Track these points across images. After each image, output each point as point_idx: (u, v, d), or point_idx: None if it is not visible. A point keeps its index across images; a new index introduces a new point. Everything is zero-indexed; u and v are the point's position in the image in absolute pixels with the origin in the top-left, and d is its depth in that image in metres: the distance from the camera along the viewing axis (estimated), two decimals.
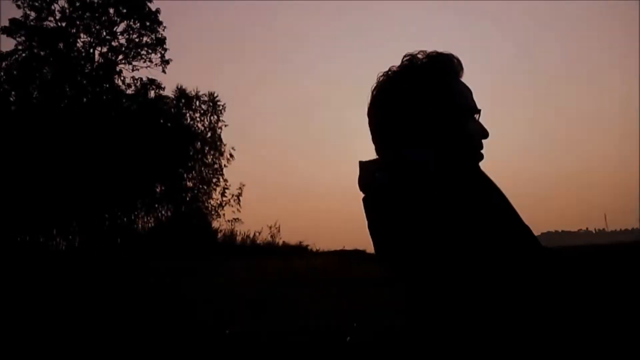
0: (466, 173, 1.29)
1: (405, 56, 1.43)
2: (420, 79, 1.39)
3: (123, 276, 7.66)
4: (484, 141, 1.44)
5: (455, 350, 1.20)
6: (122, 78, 15.59)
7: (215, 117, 17.91)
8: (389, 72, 1.43)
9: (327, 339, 3.53)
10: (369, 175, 1.42)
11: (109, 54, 15.53)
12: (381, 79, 1.44)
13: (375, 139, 1.46)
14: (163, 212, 16.05)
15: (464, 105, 1.39)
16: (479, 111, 1.43)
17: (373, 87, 1.45)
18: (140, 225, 15.47)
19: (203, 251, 12.36)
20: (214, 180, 17.49)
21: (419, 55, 1.42)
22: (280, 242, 15.58)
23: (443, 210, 1.19)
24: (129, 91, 15.68)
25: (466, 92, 1.43)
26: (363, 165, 1.48)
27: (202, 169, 17.35)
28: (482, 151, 1.43)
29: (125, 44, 15.62)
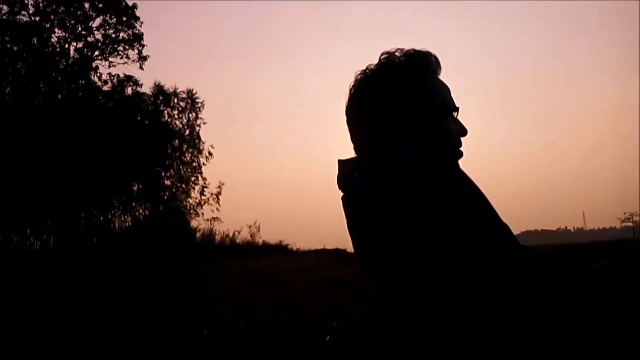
0: (445, 172, 1.29)
1: (382, 54, 1.43)
2: (397, 77, 1.39)
3: (99, 277, 7.56)
4: (463, 139, 1.44)
5: (434, 347, 1.20)
6: (98, 74, 15.40)
7: (194, 114, 17.84)
8: (367, 71, 1.43)
9: (306, 339, 3.53)
10: (348, 174, 1.41)
11: (85, 49, 15.32)
12: (359, 77, 1.43)
13: (353, 138, 1.46)
14: (140, 211, 15.93)
15: (441, 103, 1.40)
16: (457, 109, 1.43)
17: (351, 86, 1.45)
18: (116, 225, 15.31)
19: (181, 251, 12.27)
20: (193, 178, 17.42)
21: (397, 53, 1.43)
22: (260, 242, 15.59)
23: (423, 209, 1.19)
24: (105, 88, 15.50)
25: (444, 90, 1.43)
26: (342, 163, 1.48)
27: (181, 167, 17.26)
28: (461, 149, 1.44)
29: (102, 39, 15.43)
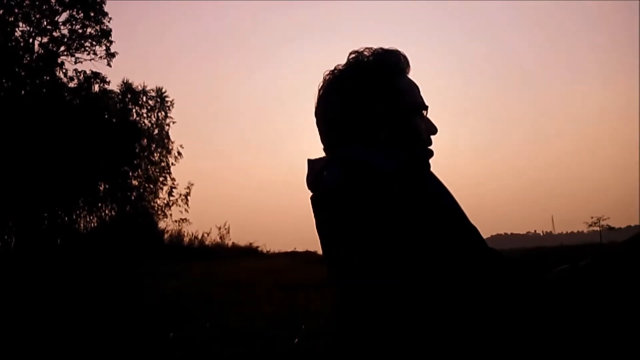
0: (414, 173, 1.30)
1: (351, 54, 1.44)
2: (366, 77, 1.39)
3: (61, 278, 7.42)
4: (433, 138, 1.46)
5: (392, 351, 1.21)
6: (63, 70, 15.12)
7: (163, 113, 17.66)
8: (335, 71, 1.43)
9: (275, 341, 3.53)
10: (317, 174, 1.41)
11: (50, 44, 15.02)
12: (327, 77, 1.44)
13: (323, 138, 1.46)
14: (106, 212, 15.68)
15: (411, 102, 1.41)
16: (426, 107, 1.44)
17: (319, 87, 1.45)
18: (82, 225, 15.05)
19: (148, 252, 12.13)
20: (161, 179, 17.23)
21: (365, 53, 1.43)
22: (230, 244, 15.48)
23: (389, 211, 1.20)
24: (72, 84, 15.23)
25: (413, 89, 1.44)
26: (311, 163, 1.48)
27: (149, 167, 17.05)
28: (432, 147, 1.45)
29: (68, 34, 15.15)
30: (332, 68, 1.43)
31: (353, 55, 1.43)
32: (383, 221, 1.19)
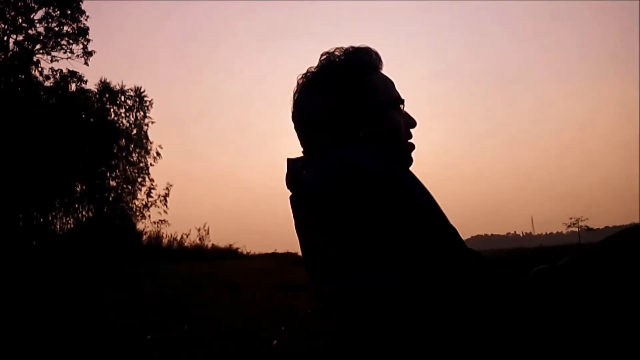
0: (394, 173, 1.30)
1: (322, 55, 1.44)
2: (338, 77, 1.40)
3: (37, 280, 7.32)
4: (413, 131, 1.46)
5: (375, 352, 1.21)
6: (39, 69, 14.91)
7: (142, 113, 17.48)
8: (308, 74, 1.44)
9: (253, 343, 3.53)
10: (297, 174, 1.41)
11: (26, 42, 14.81)
12: (300, 81, 1.44)
13: (301, 141, 1.46)
14: (83, 213, 15.49)
15: (385, 98, 1.41)
16: (402, 101, 1.45)
17: (294, 91, 1.45)
18: (58, 226, 14.85)
19: (126, 254, 12.01)
20: (139, 179, 17.06)
21: (336, 53, 1.44)
22: (210, 245, 15.40)
23: (379, 210, 1.20)
24: (48, 83, 15.02)
25: (387, 85, 1.45)
26: (291, 162, 1.47)
27: (127, 167, 16.87)
28: (412, 141, 1.46)
29: (44, 32, 14.95)
30: (305, 72, 1.44)
31: (324, 56, 1.44)
32: (372, 220, 1.19)
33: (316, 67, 1.44)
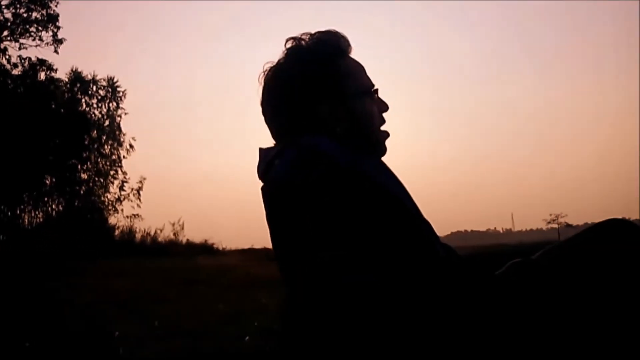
0: (362, 165, 1.29)
1: (288, 40, 1.42)
2: (306, 65, 1.38)
3: (4, 275, 7.21)
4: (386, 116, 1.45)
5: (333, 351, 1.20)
6: (7, 57, 14.63)
7: (115, 104, 17.24)
8: (275, 64, 1.42)
9: (226, 339, 3.53)
10: (268, 163, 1.39)
11: None
12: (267, 69, 1.42)
13: (271, 130, 1.44)
14: (53, 207, 15.28)
15: (357, 85, 1.40)
16: (373, 86, 1.44)
17: (262, 82, 1.43)
18: (26, 221, 14.62)
19: (98, 249, 11.88)
20: (112, 172, 16.84)
21: (304, 38, 1.42)
22: (184, 240, 15.28)
23: (338, 205, 1.19)
24: (15, 72, 14.75)
25: (357, 71, 1.43)
26: (263, 152, 1.46)
27: (99, 160, 16.64)
28: (385, 127, 1.44)
29: (11, 18, 14.66)
30: (272, 60, 1.42)
31: (290, 44, 1.42)
32: (341, 215, 1.18)
33: (283, 55, 1.42)
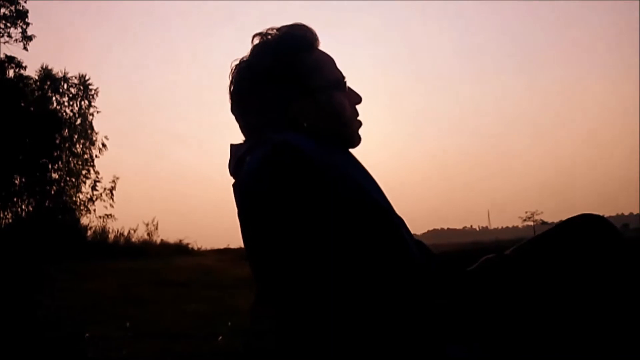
0: (334, 157, 1.29)
1: (254, 36, 1.41)
2: (272, 59, 1.37)
3: None
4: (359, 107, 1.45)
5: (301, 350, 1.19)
6: None
7: (86, 102, 16.98)
8: (241, 62, 1.41)
9: (198, 339, 3.51)
10: (239, 159, 1.38)
11: None
12: (235, 69, 1.41)
13: (242, 130, 1.44)
14: (23, 207, 15.02)
15: (326, 78, 1.39)
16: (343, 78, 1.43)
17: (229, 80, 1.42)
18: None
19: (70, 250, 11.71)
20: (84, 172, 16.60)
21: (270, 33, 1.41)
22: (158, 241, 15.14)
23: (308, 200, 1.18)
24: None
25: (325, 64, 1.43)
26: (234, 148, 1.45)
27: (70, 159, 16.38)
28: (359, 118, 1.44)
29: None
30: (239, 57, 1.41)
31: (257, 40, 1.41)
32: (327, 214, 1.17)
33: (250, 51, 1.41)
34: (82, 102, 16.92)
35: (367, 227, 1.25)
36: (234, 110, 1.44)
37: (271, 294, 1.26)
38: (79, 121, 16.81)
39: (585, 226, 1.40)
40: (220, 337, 3.33)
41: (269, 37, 1.40)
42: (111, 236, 14.86)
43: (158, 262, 10.71)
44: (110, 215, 16.19)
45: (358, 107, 1.45)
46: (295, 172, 1.21)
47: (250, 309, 1.40)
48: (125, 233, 14.88)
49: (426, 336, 1.17)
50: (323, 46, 1.45)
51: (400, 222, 1.41)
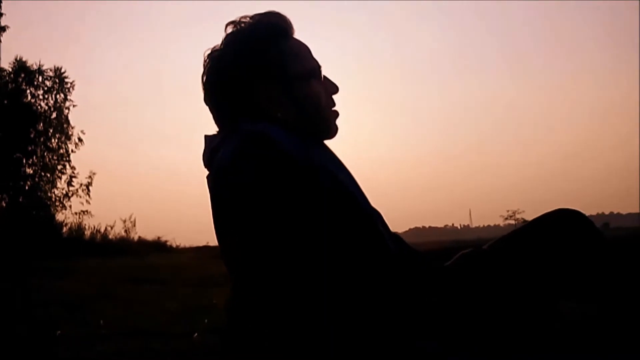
0: (308, 148, 1.28)
1: (228, 25, 1.40)
2: (245, 48, 1.36)
3: None
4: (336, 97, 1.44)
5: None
6: None
7: (62, 95, 16.74)
8: (214, 52, 1.40)
9: (174, 338, 3.50)
10: (213, 151, 1.37)
11: None
12: (207, 59, 1.40)
13: (215, 118, 1.42)
14: None
15: (301, 67, 1.39)
16: (319, 68, 1.42)
17: (203, 70, 1.41)
18: None
19: (45, 247, 11.58)
20: (59, 167, 16.38)
21: (244, 21, 1.40)
22: (136, 238, 15.08)
23: (282, 191, 1.17)
24: None
25: (301, 53, 1.42)
26: (208, 139, 1.44)
27: (45, 154, 16.16)
28: (336, 109, 1.43)
29: None
30: (211, 47, 1.40)
31: (230, 28, 1.40)
32: (300, 206, 1.17)
33: (222, 41, 1.40)
34: (58, 96, 16.67)
35: (343, 220, 1.25)
36: (207, 100, 1.43)
37: (254, 286, 1.26)
38: (54, 115, 16.57)
39: (561, 220, 1.41)
40: (196, 334, 3.32)
41: (242, 25, 1.39)
42: (87, 233, 14.79)
43: (135, 259, 10.65)
44: (87, 211, 16.02)
45: (335, 97, 1.44)
46: (268, 164, 1.20)
47: (225, 305, 1.39)
48: (102, 230, 14.81)
49: (397, 328, 1.17)
50: (306, 38, 1.44)
51: (376, 215, 1.41)
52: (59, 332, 3.55)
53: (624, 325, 1.27)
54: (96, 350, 3.23)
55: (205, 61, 1.39)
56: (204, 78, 1.39)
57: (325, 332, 1.16)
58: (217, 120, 1.42)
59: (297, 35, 1.37)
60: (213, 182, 1.33)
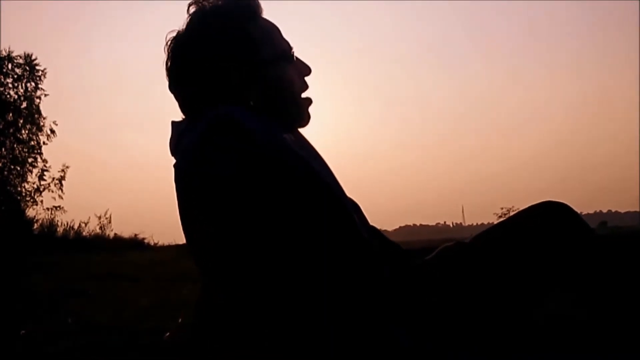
0: (279, 133, 1.26)
1: (190, 5, 1.37)
2: (212, 29, 1.34)
3: None
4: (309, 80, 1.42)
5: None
6: None
7: (33, 84, 16.58)
8: (177, 34, 1.38)
9: (141, 334, 3.50)
10: (179, 137, 1.36)
11: None
12: (171, 42, 1.38)
13: (179, 103, 1.41)
14: None
15: (272, 50, 1.37)
16: (290, 49, 1.41)
17: (165, 55, 1.39)
18: None
19: (14, 243, 11.50)
20: (30, 160, 16.26)
21: (208, 1, 1.37)
22: (112, 235, 15.05)
23: (250, 178, 1.16)
24: None
25: (271, 34, 1.40)
26: (175, 125, 1.42)
27: (15, 146, 16.02)
28: (309, 95, 1.42)
29: None
30: (175, 28, 1.38)
31: (193, 8, 1.37)
32: (269, 193, 1.16)
33: (185, 22, 1.38)
34: (28, 84, 16.51)
35: (316, 210, 1.24)
36: (172, 88, 1.41)
37: (228, 279, 1.25)
38: (24, 104, 16.41)
39: (547, 212, 1.41)
40: (168, 334, 3.32)
41: (207, 4, 1.36)
42: (60, 229, 14.69)
43: (109, 256, 10.60)
44: (60, 207, 15.94)
45: (307, 79, 1.42)
46: (236, 150, 1.19)
47: (196, 302, 1.38)
48: (76, 226, 14.74)
49: (370, 315, 1.17)
50: (278, 20, 1.42)
51: (353, 206, 1.40)
52: (23, 331, 3.53)
53: (613, 323, 1.27)
54: (61, 346, 3.22)
55: (168, 44, 1.36)
56: (169, 63, 1.37)
57: (320, 328, 1.15)
58: (183, 106, 1.41)
59: (266, 15, 1.34)
60: (180, 169, 1.31)
